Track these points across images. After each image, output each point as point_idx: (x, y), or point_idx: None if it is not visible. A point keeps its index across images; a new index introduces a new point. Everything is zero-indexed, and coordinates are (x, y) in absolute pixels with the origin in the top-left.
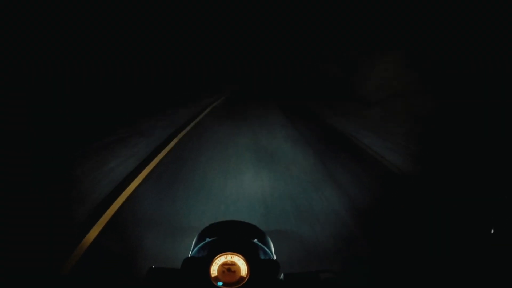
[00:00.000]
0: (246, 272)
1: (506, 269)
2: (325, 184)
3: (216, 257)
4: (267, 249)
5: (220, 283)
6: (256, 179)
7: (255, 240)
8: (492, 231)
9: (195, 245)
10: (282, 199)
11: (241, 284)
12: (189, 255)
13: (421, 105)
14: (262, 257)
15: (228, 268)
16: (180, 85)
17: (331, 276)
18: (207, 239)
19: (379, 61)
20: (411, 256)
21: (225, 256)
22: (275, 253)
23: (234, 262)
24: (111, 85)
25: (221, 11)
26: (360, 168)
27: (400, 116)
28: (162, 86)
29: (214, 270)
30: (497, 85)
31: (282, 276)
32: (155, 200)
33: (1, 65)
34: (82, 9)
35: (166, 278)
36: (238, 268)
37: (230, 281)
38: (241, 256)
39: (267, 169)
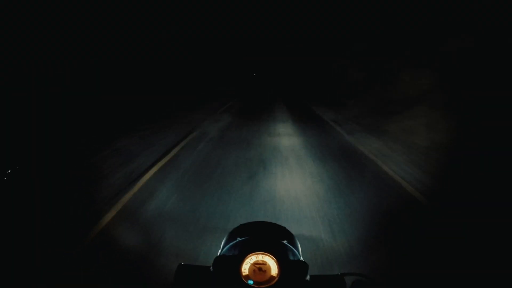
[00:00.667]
0: (277, 272)
1: None
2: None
3: (248, 256)
4: (295, 251)
5: (251, 282)
6: None
7: (285, 241)
8: None
9: (226, 244)
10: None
11: (271, 283)
12: (219, 253)
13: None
14: (291, 258)
15: (259, 268)
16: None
17: (356, 279)
18: (238, 239)
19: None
20: None
21: (257, 255)
22: (302, 255)
23: (265, 261)
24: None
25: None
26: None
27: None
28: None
29: (245, 268)
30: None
31: (308, 277)
32: None
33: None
34: (82, 9)
35: (197, 275)
36: (269, 268)
37: (261, 280)
38: (272, 256)
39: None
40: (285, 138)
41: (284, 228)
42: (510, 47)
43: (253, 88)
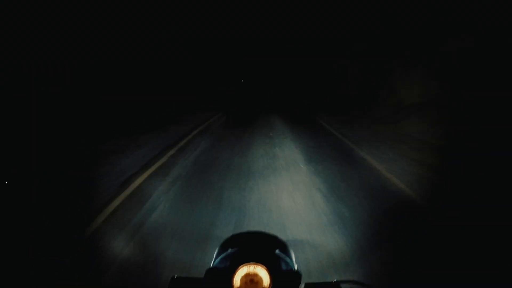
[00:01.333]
0: (269, 283)
1: None
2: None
3: (239, 267)
4: (288, 260)
5: None
6: None
7: (277, 251)
8: None
9: (217, 255)
10: None
11: None
12: (211, 265)
13: None
14: (284, 267)
15: (251, 279)
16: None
17: (352, 286)
18: (229, 250)
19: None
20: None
21: (248, 266)
22: (296, 263)
23: (256, 273)
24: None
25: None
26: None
27: None
28: None
29: (236, 281)
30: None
31: (303, 286)
32: None
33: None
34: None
35: (190, 287)
36: (261, 279)
37: None
38: (264, 267)
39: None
40: None
41: (276, 237)
42: (510, 47)
43: (249, 94)
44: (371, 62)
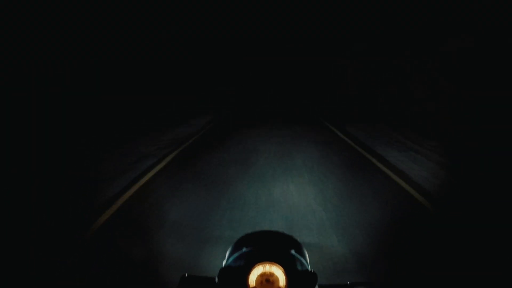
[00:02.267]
0: (284, 283)
1: None
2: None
3: (254, 266)
4: (303, 260)
5: None
6: None
7: (292, 251)
8: None
9: (231, 255)
10: None
11: None
12: (223, 264)
13: None
14: (299, 268)
15: (267, 279)
16: None
17: None
18: (244, 249)
19: None
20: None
21: (264, 266)
22: (310, 264)
23: (272, 272)
24: None
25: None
26: None
27: None
28: None
29: (252, 280)
30: None
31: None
32: None
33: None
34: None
35: (201, 286)
36: (277, 279)
37: None
38: (280, 267)
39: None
40: None
41: (291, 237)
42: (510, 47)
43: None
44: (371, 62)
